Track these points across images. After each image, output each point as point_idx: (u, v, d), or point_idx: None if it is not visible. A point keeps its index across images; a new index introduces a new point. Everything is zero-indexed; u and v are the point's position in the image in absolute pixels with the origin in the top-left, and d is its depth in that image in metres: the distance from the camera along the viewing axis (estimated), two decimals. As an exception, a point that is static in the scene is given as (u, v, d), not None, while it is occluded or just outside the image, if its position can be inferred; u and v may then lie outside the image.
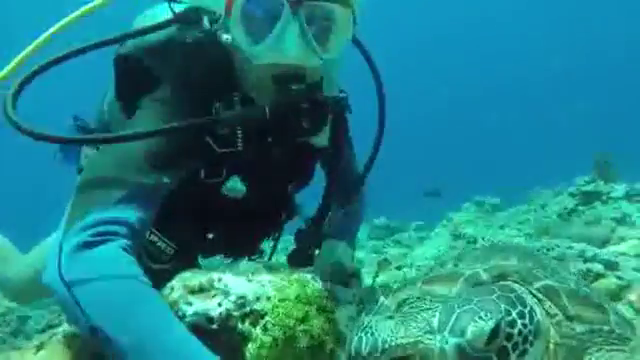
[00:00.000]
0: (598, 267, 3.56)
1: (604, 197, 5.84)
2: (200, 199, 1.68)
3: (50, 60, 1.44)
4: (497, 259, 1.24)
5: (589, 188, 6.08)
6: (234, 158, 1.57)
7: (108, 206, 1.29)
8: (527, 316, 0.97)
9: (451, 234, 5.88)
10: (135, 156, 1.39)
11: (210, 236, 1.88)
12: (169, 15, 1.55)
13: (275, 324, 1.16)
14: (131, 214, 1.32)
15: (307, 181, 1.93)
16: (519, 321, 0.96)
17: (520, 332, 0.95)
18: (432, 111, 28.32)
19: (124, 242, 1.27)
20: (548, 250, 4.30)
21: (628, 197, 5.61)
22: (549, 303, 1.08)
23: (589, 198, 5.98)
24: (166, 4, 1.59)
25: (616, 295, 2.57)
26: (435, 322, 0.98)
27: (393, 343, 1.01)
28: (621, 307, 1.28)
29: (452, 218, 6.80)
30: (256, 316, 1.19)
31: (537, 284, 1.13)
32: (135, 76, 1.63)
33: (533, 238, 5.22)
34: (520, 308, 0.98)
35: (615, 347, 1.04)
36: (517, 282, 1.15)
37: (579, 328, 1.06)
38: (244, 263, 1.34)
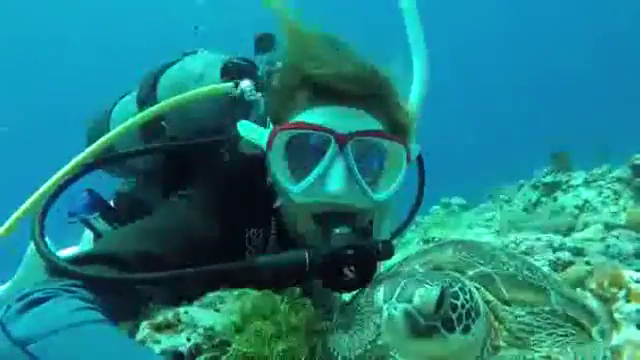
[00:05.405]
0: (566, 255, 3.65)
1: (564, 186, 6.00)
2: None
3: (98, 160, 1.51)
4: (433, 254, 1.23)
5: (549, 179, 6.25)
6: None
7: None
8: (468, 293, 0.96)
9: (421, 239, 5.93)
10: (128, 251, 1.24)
11: None
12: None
13: (241, 349, 1.13)
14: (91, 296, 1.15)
15: None
16: (461, 295, 0.94)
17: (463, 305, 0.93)
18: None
19: (80, 294, 1.12)
20: (517, 244, 4.38)
21: (586, 183, 5.77)
22: (483, 290, 1.07)
23: (551, 189, 6.14)
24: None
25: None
26: (380, 297, 0.96)
27: (352, 357, 1.03)
28: (585, 294, 1.28)
29: (421, 222, 6.85)
30: (225, 345, 1.16)
31: (470, 272, 1.12)
32: (178, 168, 1.58)
33: (501, 234, 5.31)
34: (460, 285, 0.97)
35: (561, 330, 1.02)
36: (452, 272, 1.13)
37: (518, 311, 1.04)
38: (211, 294, 1.29)
